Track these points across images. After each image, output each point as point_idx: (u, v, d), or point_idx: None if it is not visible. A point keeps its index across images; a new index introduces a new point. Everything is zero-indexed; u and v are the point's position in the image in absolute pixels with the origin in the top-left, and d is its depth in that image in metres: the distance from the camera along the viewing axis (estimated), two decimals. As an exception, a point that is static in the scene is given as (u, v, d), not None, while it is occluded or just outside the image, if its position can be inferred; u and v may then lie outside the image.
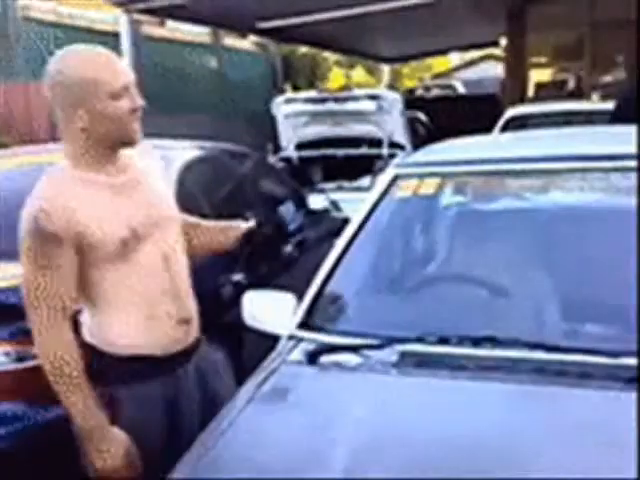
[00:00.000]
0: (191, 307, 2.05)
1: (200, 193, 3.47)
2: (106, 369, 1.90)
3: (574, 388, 1.64)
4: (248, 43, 14.74)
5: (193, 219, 2.24)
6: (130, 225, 1.89)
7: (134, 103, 1.89)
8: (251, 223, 2.24)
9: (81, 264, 1.85)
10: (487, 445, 1.47)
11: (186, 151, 3.75)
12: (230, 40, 14.12)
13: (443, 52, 21.92)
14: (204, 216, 2.37)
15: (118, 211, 1.89)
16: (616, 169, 2.24)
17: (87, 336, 1.94)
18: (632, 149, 2.27)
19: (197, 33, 13.33)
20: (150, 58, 10.89)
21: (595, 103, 8.58)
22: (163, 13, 10.61)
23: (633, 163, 2.20)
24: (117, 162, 1.95)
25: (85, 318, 1.95)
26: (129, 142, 1.93)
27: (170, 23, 12.08)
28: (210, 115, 11.97)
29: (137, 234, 1.90)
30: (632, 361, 1.65)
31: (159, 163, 2.14)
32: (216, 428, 1.64)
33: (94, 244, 1.84)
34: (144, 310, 1.93)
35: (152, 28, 11.67)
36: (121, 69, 1.90)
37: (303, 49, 18.58)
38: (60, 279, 1.81)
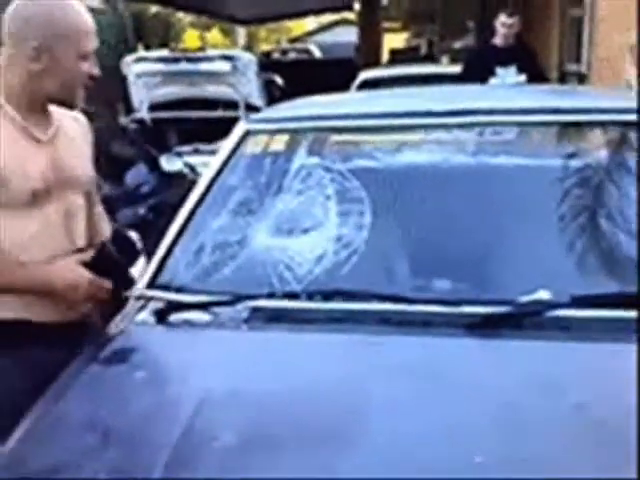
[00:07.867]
0: None
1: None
2: None
3: (416, 336, 1.69)
4: (95, 1, 13.99)
5: (95, 198, 2.16)
6: (44, 178, 1.84)
7: (93, 70, 1.92)
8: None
9: None
10: (325, 393, 1.50)
11: None
12: (75, -2, 13.31)
13: (299, 15, 21.87)
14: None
15: (36, 162, 1.84)
16: (463, 125, 2.27)
17: None
18: (476, 105, 2.35)
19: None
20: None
21: (444, 66, 8.85)
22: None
23: (481, 118, 2.26)
24: (47, 116, 1.93)
25: None
26: (69, 105, 1.95)
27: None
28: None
29: (49, 188, 1.85)
30: (471, 309, 1.73)
31: (86, 128, 2.12)
32: (54, 390, 1.57)
33: (6, 186, 1.76)
34: None
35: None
36: (94, 32, 1.90)
37: (154, 9, 17.92)
38: None
